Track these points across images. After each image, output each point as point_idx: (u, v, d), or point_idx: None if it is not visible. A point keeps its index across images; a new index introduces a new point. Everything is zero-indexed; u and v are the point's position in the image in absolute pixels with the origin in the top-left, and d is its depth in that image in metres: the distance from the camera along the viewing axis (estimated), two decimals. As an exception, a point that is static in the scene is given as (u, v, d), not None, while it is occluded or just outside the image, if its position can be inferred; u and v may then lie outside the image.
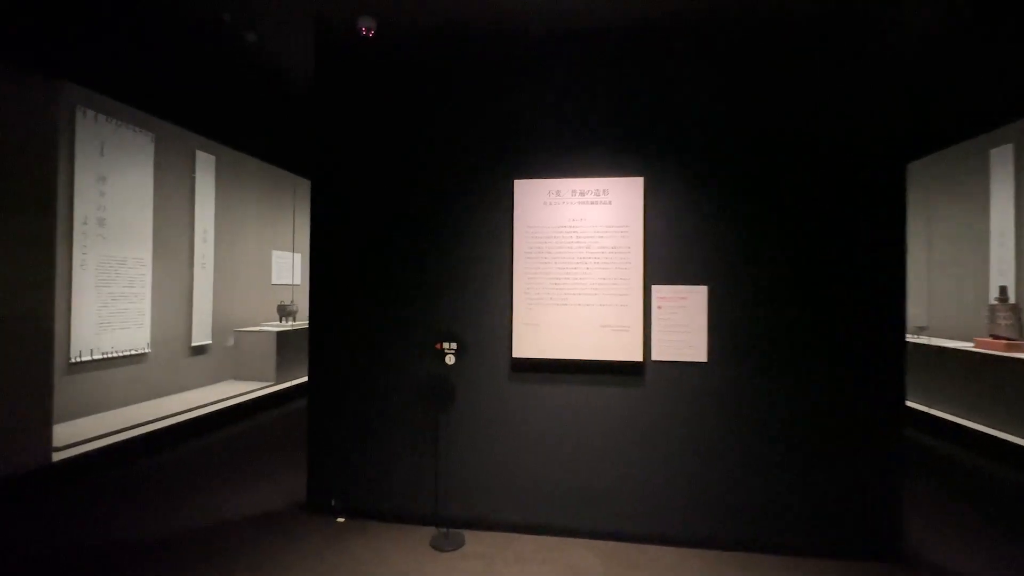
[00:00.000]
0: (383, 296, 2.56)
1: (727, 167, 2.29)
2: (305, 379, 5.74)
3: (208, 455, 3.59)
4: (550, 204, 2.34)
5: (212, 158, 5.10)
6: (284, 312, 5.69)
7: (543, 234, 2.33)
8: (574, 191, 2.33)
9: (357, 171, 2.64)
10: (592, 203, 2.32)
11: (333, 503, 2.54)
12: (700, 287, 2.28)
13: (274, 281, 6.18)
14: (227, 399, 4.51)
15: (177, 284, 4.72)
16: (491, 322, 2.41)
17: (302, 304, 6.41)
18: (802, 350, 2.23)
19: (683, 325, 2.28)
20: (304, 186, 6.77)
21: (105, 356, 3.97)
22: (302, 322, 5.94)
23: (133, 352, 4.21)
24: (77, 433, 3.35)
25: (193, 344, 4.87)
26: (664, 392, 2.30)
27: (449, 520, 2.40)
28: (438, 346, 2.31)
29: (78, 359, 3.76)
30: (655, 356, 2.30)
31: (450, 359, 2.29)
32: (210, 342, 5.08)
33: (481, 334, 2.42)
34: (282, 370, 5.33)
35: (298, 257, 6.66)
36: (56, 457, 2.95)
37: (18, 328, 2.77)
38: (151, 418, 3.81)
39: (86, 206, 3.82)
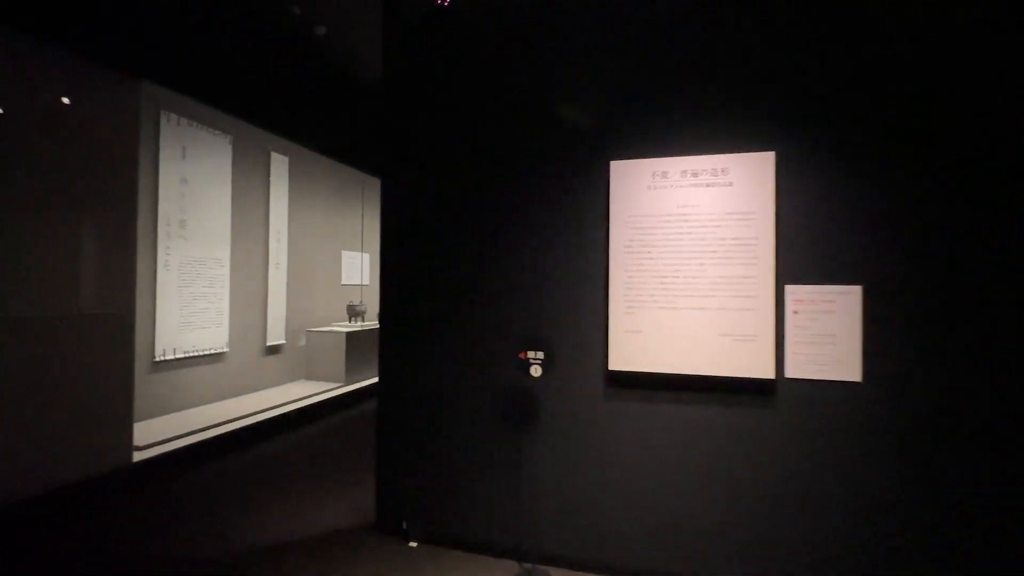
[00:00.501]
0: (459, 299, 2.30)
1: (890, 133, 1.80)
2: (374, 381, 5.70)
3: (277, 461, 3.51)
4: (655, 188, 1.95)
5: (285, 159, 5.14)
6: (353, 313, 5.66)
7: (646, 224, 1.95)
8: (684, 171, 1.93)
9: (428, 163, 2.39)
10: (708, 185, 1.91)
11: (405, 526, 2.30)
12: (852, 287, 1.80)
13: (343, 281, 6.20)
14: (298, 400, 4.48)
15: (253, 284, 4.77)
16: (582, 328, 2.07)
17: (370, 304, 6.38)
18: (996, 371, 1.69)
19: (828, 335, 1.81)
20: (373, 184, 6.77)
21: (187, 355, 4.04)
22: (371, 322, 5.90)
23: (212, 351, 4.28)
24: (158, 432, 3.38)
25: (268, 344, 4.92)
26: (801, 418, 1.85)
27: (534, 555, 2.08)
28: (522, 355, 2.00)
29: (162, 358, 3.83)
30: (790, 373, 1.85)
31: (535, 371, 1.97)
32: (284, 342, 5.12)
33: (571, 342, 2.08)
34: (351, 371, 5.28)
35: (366, 257, 6.66)
36: (136, 457, 2.95)
37: (101, 328, 2.79)
38: (226, 418, 3.81)
39: (169, 208, 3.89)
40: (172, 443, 3.25)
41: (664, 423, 1.97)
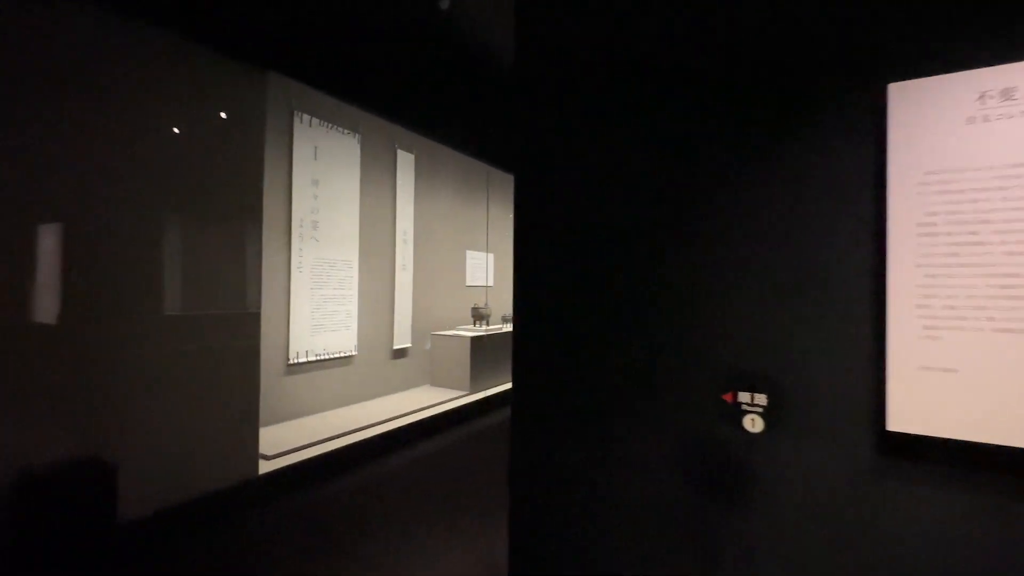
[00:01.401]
0: (623, 310, 1.66)
1: None
2: (499, 390, 5.36)
3: (399, 484, 3.21)
4: (985, 121, 1.12)
5: (411, 157, 4.97)
6: (478, 316, 5.34)
7: (966, 185, 1.12)
8: (1049, 86, 1.07)
9: (579, 142, 1.78)
10: (1109, 106, 1.03)
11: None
12: None
13: (468, 283, 5.93)
14: (423, 409, 4.23)
15: (380, 286, 4.66)
16: (832, 360, 1.30)
17: (495, 307, 6.04)
18: None
19: None
20: (498, 180, 6.44)
21: (318, 358, 3.99)
22: (495, 326, 5.53)
23: (342, 354, 4.20)
24: (288, 438, 3.29)
25: (394, 347, 4.79)
26: None
27: None
28: (728, 397, 1.30)
29: (295, 360, 3.81)
30: None
31: (753, 423, 1.26)
32: (410, 345, 4.96)
33: (809, 382, 1.32)
34: (476, 379, 4.94)
35: (491, 257, 6.34)
36: (263, 467, 2.83)
37: (227, 333, 2.68)
38: (354, 426, 3.65)
39: (302, 209, 3.86)
40: (299, 454, 3.12)
41: (997, 533, 1.13)
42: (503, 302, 6.54)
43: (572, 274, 1.77)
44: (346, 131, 4.23)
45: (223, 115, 2.66)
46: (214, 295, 2.62)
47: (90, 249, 2.18)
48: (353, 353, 4.31)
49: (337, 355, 4.15)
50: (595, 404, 1.69)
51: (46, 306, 2.06)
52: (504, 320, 5.98)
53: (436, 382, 5.07)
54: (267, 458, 2.93)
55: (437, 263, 5.43)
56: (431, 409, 4.29)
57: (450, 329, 5.42)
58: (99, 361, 2.16)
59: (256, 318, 2.79)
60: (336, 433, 3.44)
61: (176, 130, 2.46)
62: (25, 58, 2.00)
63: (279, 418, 3.67)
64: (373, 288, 4.56)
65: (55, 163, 2.08)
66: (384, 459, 3.50)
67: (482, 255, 6.20)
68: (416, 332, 5.05)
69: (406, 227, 4.93)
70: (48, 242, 2.07)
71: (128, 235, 2.30)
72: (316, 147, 3.97)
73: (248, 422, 2.75)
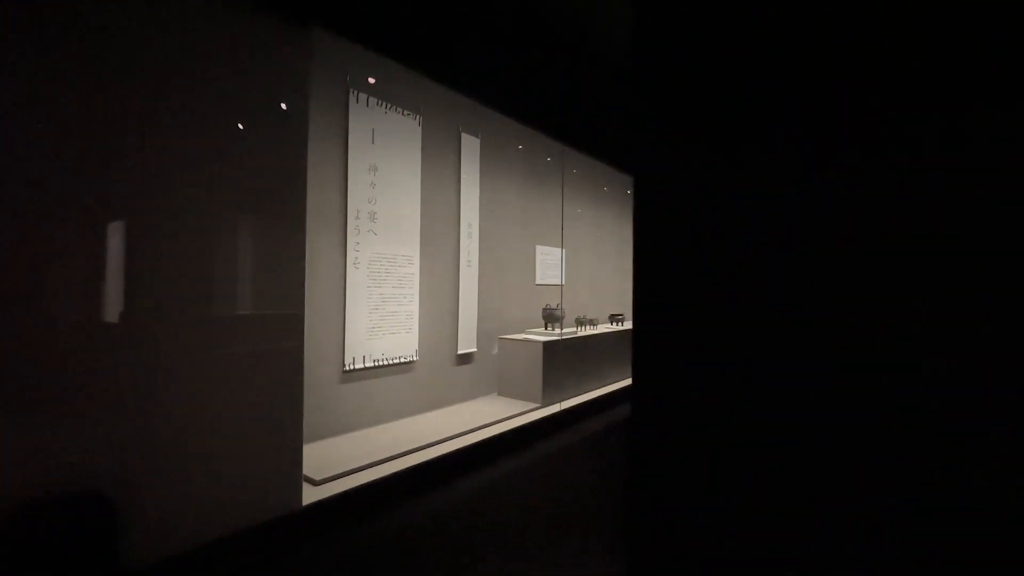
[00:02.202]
0: (760, 312, 1.03)
1: None
2: (577, 402, 4.76)
3: (469, 514, 2.70)
4: None
5: (476, 141, 4.48)
6: (550, 318, 4.75)
7: None
8: None
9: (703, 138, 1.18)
10: None
11: None
12: None
13: (538, 281, 5.37)
14: (491, 425, 3.72)
15: (443, 284, 4.21)
16: None
17: (569, 308, 5.43)
18: None
19: None
20: (573, 165, 5.82)
21: (376, 364, 3.60)
22: (569, 329, 4.92)
23: (402, 360, 3.79)
24: (344, 456, 2.89)
25: (459, 352, 4.32)
26: None
27: None
28: None
29: (351, 367, 3.43)
30: None
31: None
32: (475, 350, 4.48)
33: None
34: (550, 390, 4.37)
35: (562, 253, 5.74)
36: (307, 496, 2.42)
37: (262, 336, 2.29)
38: (414, 444, 3.20)
39: (358, 199, 3.47)
40: (352, 477, 2.70)
41: None
42: (577, 303, 5.92)
43: (707, 276, 1.17)
44: (407, 112, 3.80)
45: (260, 87, 2.27)
46: (246, 294, 2.23)
47: (87, 244, 1.84)
48: (414, 359, 3.88)
49: (396, 361, 3.74)
50: (732, 412, 1.07)
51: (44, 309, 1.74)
52: (579, 323, 5.36)
53: (504, 391, 4.56)
54: (314, 483, 2.53)
55: (504, 259, 4.91)
56: (497, 426, 3.77)
57: (519, 332, 4.88)
58: (99, 370, 1.81)
59: (298, 320, 2.38)
60: (394, 453, 3.00)
61: (198, 105, 2.09)
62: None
63: (333, 431, 3.30)
64: (435, 286, 4.12)
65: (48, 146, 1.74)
66: (451, 484, 3.01)
67: (554, 251, 5.61)
68: (481, 335, 4.56)
69: (471, 219, 4.45)
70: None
71: (140, 228, 1.94)
72: (373, 129, 3.57)
73: (289, 445, 2.34)
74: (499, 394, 4.58)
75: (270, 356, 2.26)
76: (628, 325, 6.02)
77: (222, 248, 2.13)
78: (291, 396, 2.35)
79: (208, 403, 2.06)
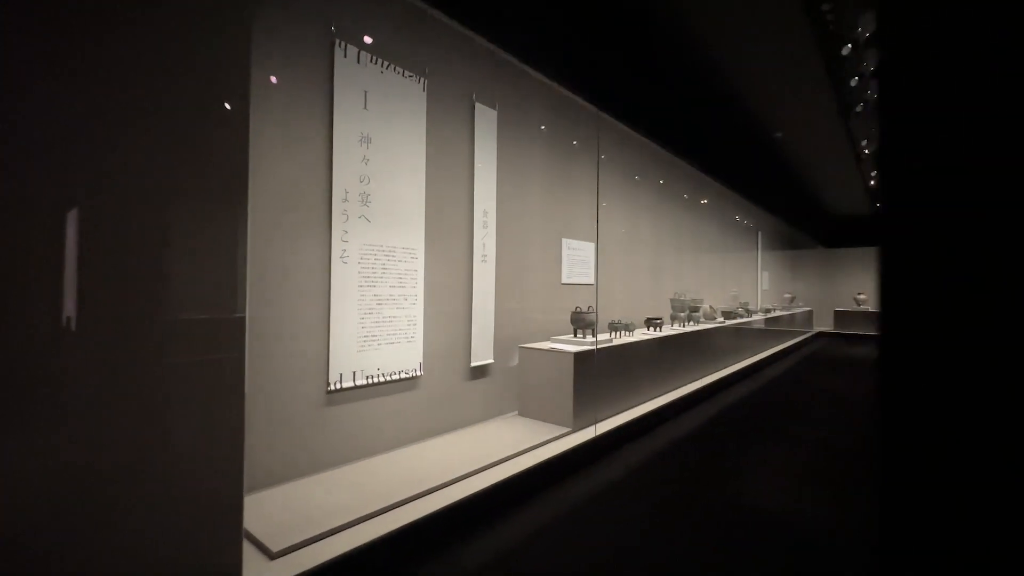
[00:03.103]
0: None
1: None
2: (614, 424, 3.78)
3: (481, 589, 1.98)
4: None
5: (493, 113, 3.78)
6: (581, 323, 4.01)
7: None
8: None
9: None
10: None
11: None
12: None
13: (564, 279, 4.63)
14: (512, 457, 2.99)
15: (454, 283, 3.51)
16: None
17: (604, 311, 4.68)
18: None
19: None
20: (608, 144, 5.08)
21: (370, 381, 2.91)
22: (603, 336, 4.17)
23: (403, 375, 3.10)
24: (317, 509, 2.20)
25: (472, 364, 3.61)
26: None
27: None
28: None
29: (338, 386, 2.75)
30: None
31: None
32: (491, 361, 3.76)
33: None
34: (582, 411, 3.62)
35: (593, 248, 4.99)
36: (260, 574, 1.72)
37: (186, 346, 1.60)
38: (417, 489, 2.49)
39: (347, 177, 2.80)
40: (327, 542, 1.99)
41: None
42: (610, 305, 5.16)
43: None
44: (408, 73, 3.12)
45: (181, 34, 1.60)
46: (169, 295, 1.55)
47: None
48: (417, 373, 3.19)
49: (395, 377, 3.05)
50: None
51: None
52: (613, 328, 4.61)
53: (526, 411, 3.83)
54: (271, 555, 1.84)
55: (526, 254, 4.19)
56: (519, 458, 3.04)
57: (543, 341, 4.15)
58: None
59: (236, 328, 1.69)
60: (388, 502, 2.30)
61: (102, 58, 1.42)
62: None
63: (313, 467, 2.63)
64: (444, 286, 3.42)
65: None
66: (469, 540, 2.30)
67: (583, 245, 4.87)
68: (499, 344, 3.85)
69: (487, 206, 3.74)
70: None
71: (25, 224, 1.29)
72: (366, 92, 2.89)
73: (225, 502, 1.65)
74: (520, 414, 3.85)
75: (195, 374, 1.58)
76: (667, 330, 5.23)
77: (126, 240, 1.46)
78: (227, 426, 1.66)
79: (107, 439, 1.39)
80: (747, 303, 9.17)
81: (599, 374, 3.82)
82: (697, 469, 3.42)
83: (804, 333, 12.41)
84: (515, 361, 3.96)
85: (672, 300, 5.96)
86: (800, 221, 11.06)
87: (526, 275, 4.18)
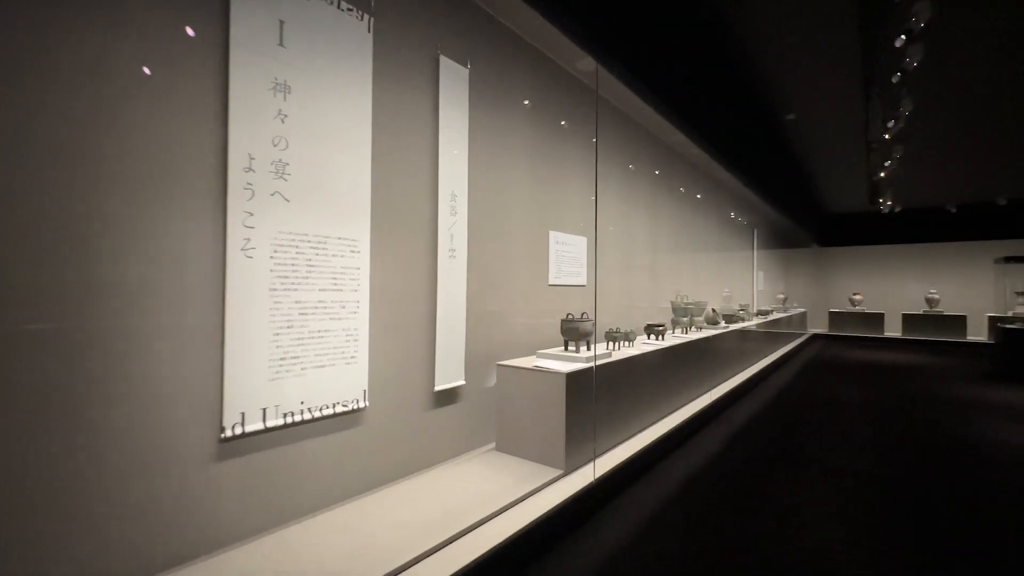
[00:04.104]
0: None
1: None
2: (611, 461, 2.86)
3: None
4: None
5: (465, 72, 3.01)
6: (574, 333, 3.26)
7: None
8: None
9: None
10: None
11: None
12: None
13: (552, 280, 3.89)
14: (484, 522, 2.22)
15: (413, 285, 2.74)
16: None
17: (602, 319, 3.96)
18: None
19: None
20: (609, 121, 4.35)
21: (289, 421, 2.12)
22: (602, 350, 3.43)
23: (340, 408, 2.31)
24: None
25: (437, 388, 2.84)
26: None
27: None
28: None
29: (236, 431, 1.95)
30: None
31: None
32: (462, 383, 2.99)
33: None
34: (576, 446, 2.87)
35: (585, 243, 4.25)
36: None
37: None
38: (336, 580, 1.71)
39: (251, 137, 2.00)
40: None
41: None
42: (604, 310, 4.43)
43: None
44: (346, 6, 2.34)
45: None
46: None
47: None
48: (360, 404, 2.40)
49: (328, 411, 2.26)
50: None
51: None
52: (610, 338, 3.87)
53: (506, 446, 3.06)
54: None
55: (506, 249, 3.43)
56: (502, 516, 2.28)
57: (528, 356, 3.39)
58: None
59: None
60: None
61: None
62: None
63: (195, 550, 1.82)
64: (399, 288, 2.65)
65: None
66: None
67: (575, 239, 4.13)
68: (473, 359, 3.08)
69: (456, 188, 2.97)
70: None
71: None
72: (282, 23, 2.10)
73: None
74: (498, 449, 3.09)
75: None
76: (671, 339, 4.52)
77: None
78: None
79: None
80: (746, 305, 8.55)
81: (599, 397, 3.08)
82: (730, 521, 2.69)
83: (800, 336, 11.89)
84: (492, 381, 3.19)
85: (674, 304, 5.26)
86: (798, 217, 10.50)
87: (506, 275, 3.42)
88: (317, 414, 2.21)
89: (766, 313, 9.24)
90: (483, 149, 3.20)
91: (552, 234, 3.89)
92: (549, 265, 3.85)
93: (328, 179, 2.26)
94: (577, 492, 2.57)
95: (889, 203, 10.50)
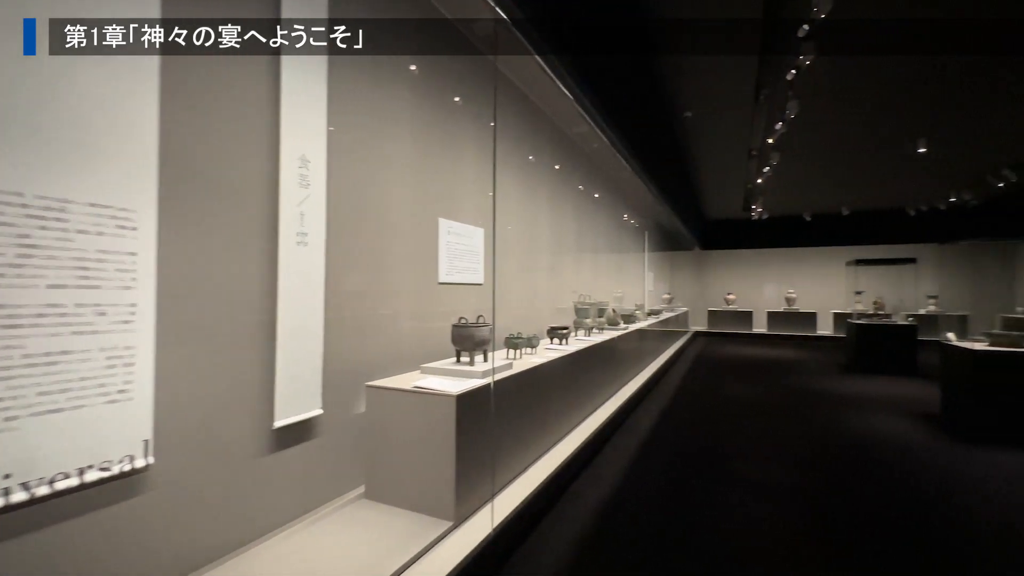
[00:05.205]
0: None
1: None
2: (520, 497, 2.17)
3: None
4: None
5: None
6: (468, 343, 2.66)
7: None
8: None
9: None
10: None
11: None
12: None
13: (443, 278, 3.25)
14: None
15: (238, 280, 1.93)
16: None
17: (503, 322, 3.41)
18: None
19: None
20: (511, 93, 3.82)
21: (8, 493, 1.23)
22: (502, 359, 2.86)
23: (102, 472, 1.45)
24: None
25: (278, 424, 2.05)
26: None
27: None
28: None
29: None
30: None
31: None
32: (319, 412, 2.23)
33: None
34: (468, 486, 2.25)
35: (482, 234, 3.67)
36: None
37: None
38: None
39: None
40: None
41: None
42: (502, 312, 3.90)
43: None
44: None
45: None
46: None
47: None
48: (141, 462, 1.56)
49: (76, 479, 1.40)
50: None
51: None
52: (512, 345, 3.34)
53: (378, 492, 2.35)
54: None
55: (381, 236, 2.73)
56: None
57: (410, 371, 2.72)
58: None
59: None
60: None
61: None
62: None
63: None
64: (212, 285, 1.83)
65: None
66: None
67: (471, 231, 3.52)
68: (334, 380, 2.34)
69: (308, 149, 2.21)
70: None
71: None
72: None
73: None
74: (368, 496, 2.37)
75: None
76: (577, 343, 4.13)
77: None
78: None
79: None
80: (641, 305, 8.65)
81: (499, 419, 2.51)
82: (651, 550, 2.26)
83: (685, 334, 12.55)
84: (361, 408, 2.47)
85: (577, 305, 4.91)
86: (686, 219, 11.04)
87: (383, 269, 2.72)
88: (43, 489, 1.35)
89: (657, 313, 9.48)
90: (352, 107, 2.47)
91: (443, 222, 3.25)
92: (439, 259, 3.20)
93: (75, 113, 1.40)
94: (473, 551, 1.96)
95: (759, 210, 11.47)
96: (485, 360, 2.70)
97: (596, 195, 7.37)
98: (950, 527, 2.61)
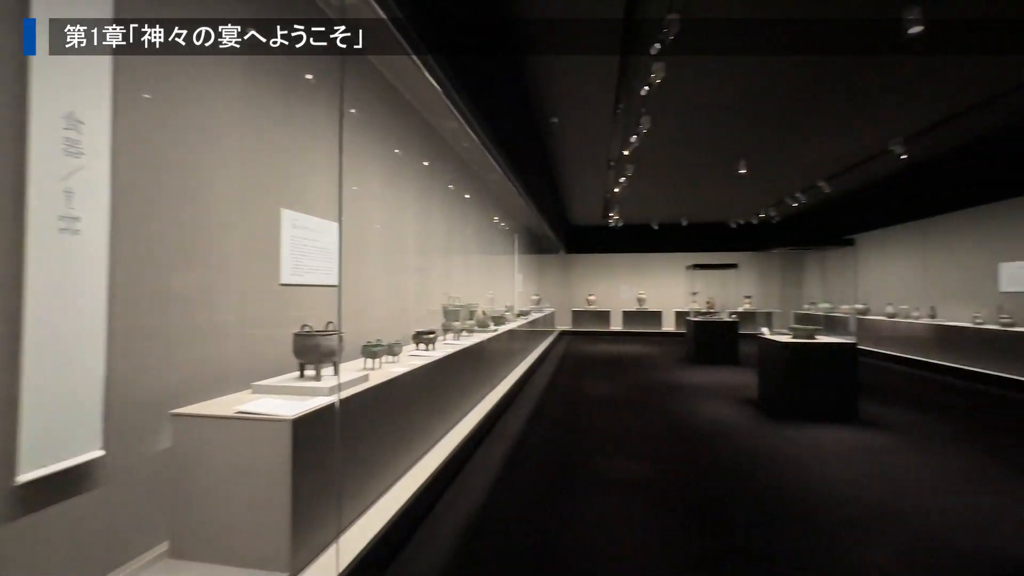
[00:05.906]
0: None
1: None
2: (372, 530, 1.46)
3: None
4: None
5: (103, -91, 1.71)
6: (312, 354, 2.27)
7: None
8: None
9: None
10: None
11: None
12: None
13: (286, 279, 2.79)
14: None
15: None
16: None
17: (354, 330, 3.05)
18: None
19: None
20: (355, 97, 3.42)
21: None
22: (355, 371, 2.51)
23: None
24: None
25: (24, 479, 1.48)
26: None
27: None
28: None
29: None
30: None
31: None
32: (99, 453, 1.69)
33: None
34: (307, 527, 1.90)
35: (336, 229, 3.25)
36: None
37: None
38: None
39: None
40: None
41: None
42: (360, 316, 3.53)
43: None
44: None
45: None
46: None
47: None
48: None
49: None
50: None
51: None
52: (369, 354, 3.00)
53: (186, 547, 1.87)
54: None
55: (199, 226, 2.21)
56: None
57: (239, 391, 2.24)
58: None
59: None
60: None
61: None
62: None
63: None
64: None
65: None
66: None
67: (323, 225, 3.09)
68: (126, 411, 1.80)
69: (80, 106, 1.65)
70: None
71: None
72: None
73: None
74: (173, 555, 1.87)
75: None
76: (444, 347, 3.92)
77: None
78: None
79: None
80: (511, 306, 8.76)
81: (349, 441, 2.17)
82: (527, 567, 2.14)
83: (552, 333, 13.12)
84: (164, 443, 1.95)
85: (445, 307, 4.70)
86: (552, 223, 11.53)
87: (203, 267, 2.20)
88: None
89: (526, 313, 9.71)
90: (158, 62, 1.94)
91: (288, 214, 2.79)
92: (281, 256, 2.74)
93: None
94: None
95: (616, 218, 12.48)
96: (336, 371, 2.35)
97: (467, 195, 7.25)
98: (777, 493, 2.97)
